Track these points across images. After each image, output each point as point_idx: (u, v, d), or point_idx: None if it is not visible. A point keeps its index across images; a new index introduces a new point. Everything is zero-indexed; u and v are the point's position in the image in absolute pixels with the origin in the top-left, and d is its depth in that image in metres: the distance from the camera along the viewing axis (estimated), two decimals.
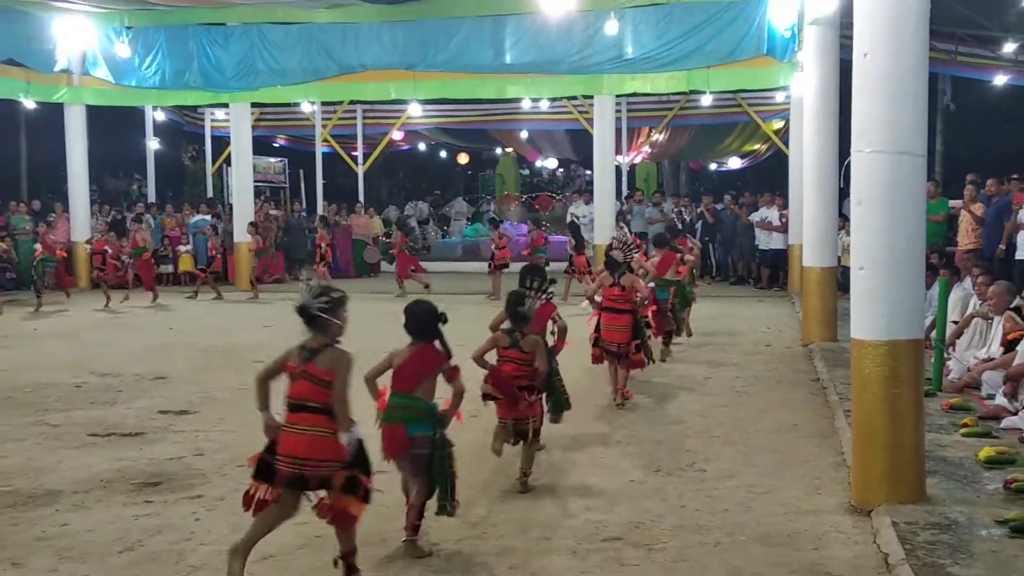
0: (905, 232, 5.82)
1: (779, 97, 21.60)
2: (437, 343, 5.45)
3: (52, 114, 21.88)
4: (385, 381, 5.41)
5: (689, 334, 12.66)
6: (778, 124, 23.86)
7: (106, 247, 18.46)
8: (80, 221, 20.98)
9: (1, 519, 5.97)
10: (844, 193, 12.69)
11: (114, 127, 26.35)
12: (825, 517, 5.83)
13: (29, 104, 21.76)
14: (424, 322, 5.44)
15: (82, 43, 20.24)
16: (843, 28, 11.75)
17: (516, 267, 17.88)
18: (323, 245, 19.93)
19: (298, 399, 4.75)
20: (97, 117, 21.91)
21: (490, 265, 18.51)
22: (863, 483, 5.96)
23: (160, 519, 5.95)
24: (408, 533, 5.30)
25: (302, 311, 4.79)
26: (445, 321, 5.47)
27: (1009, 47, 18.05)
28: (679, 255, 12.01)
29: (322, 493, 4.79)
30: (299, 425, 4.72)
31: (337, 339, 4.85)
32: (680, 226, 19.15)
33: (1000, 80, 19.90)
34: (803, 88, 13.99)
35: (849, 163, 6.03)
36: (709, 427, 8.20)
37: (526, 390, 6.44)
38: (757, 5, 17.31)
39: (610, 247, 10.22)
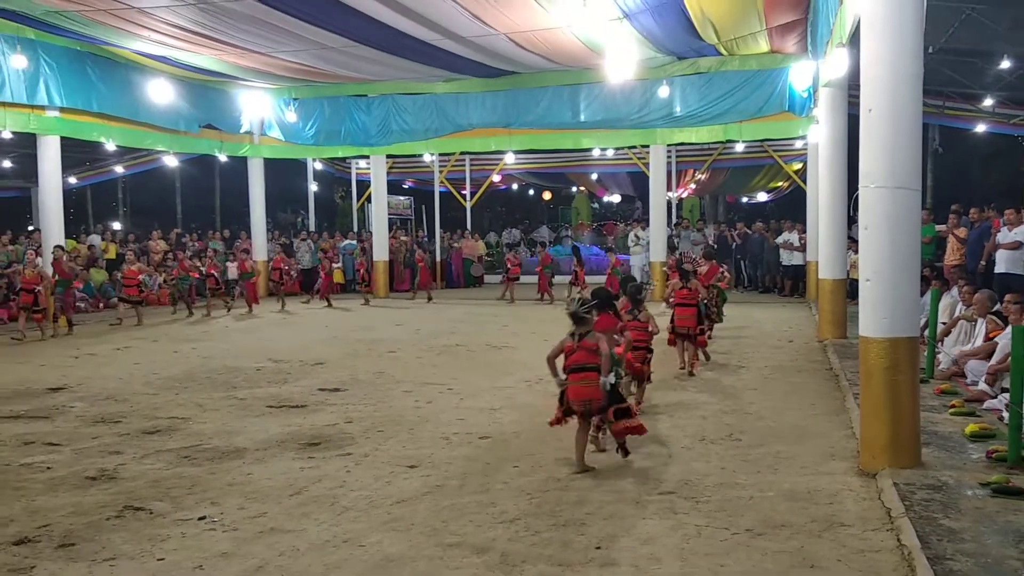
0: (903, 251, 5.66)
1: (798, 144, 21.11)
2: (612, 312, 6.74)
3: (238, 165, 22.42)
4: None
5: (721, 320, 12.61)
6: (798, 165, 23.34)
7: (282, 264, 18.95)
8: (259, 245, 21.57)
9: (203, 469, 6.16)
10: (852, 220, 12.41)
11: (284, 173, 26.97)
12: (838, 478, 5.68)
13: (222, 158, 22.41)
14: (605, 299, 6.68)
15: (261, 111, 20.73)
16: (851, 89, 11.52)
17: (526, 279, 18.25)
18: (362, 270, 19.38)
19: (578, 365, 5.83)
20: (271, 166, 22.40)
21: (505, 277, 18.83)
22: (869, 452, 5.78)
23: (320, 471, 6.06)
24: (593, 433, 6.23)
25: (574, 315, 5.88)
26: (617, 298, 6.87)
27: (987, 102, 17.64)
28: (722, 269, 12.47)
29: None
30: (581, 380, 5.81)
31: (592, 326, 5.93)
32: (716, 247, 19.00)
33: (980, 128, 19.42)
34: (818, 137, 13.73)
35: (857, 196, 5.90)
36: (743, 405, 8.06)
37: (644, 349, 7.58)
38: (780, 72, 17.01)
39: (680, 262, 10.67)
